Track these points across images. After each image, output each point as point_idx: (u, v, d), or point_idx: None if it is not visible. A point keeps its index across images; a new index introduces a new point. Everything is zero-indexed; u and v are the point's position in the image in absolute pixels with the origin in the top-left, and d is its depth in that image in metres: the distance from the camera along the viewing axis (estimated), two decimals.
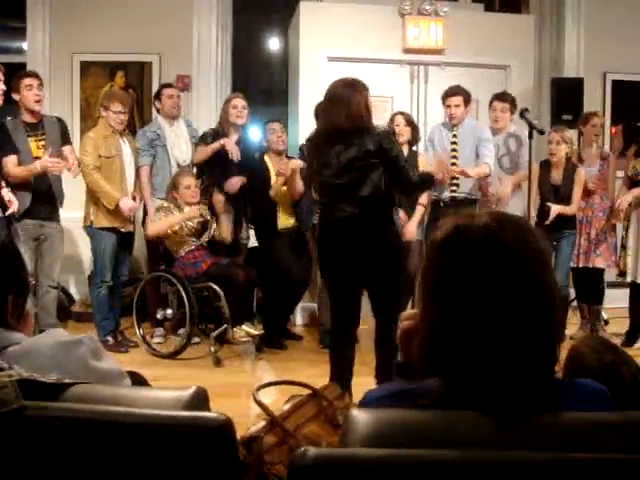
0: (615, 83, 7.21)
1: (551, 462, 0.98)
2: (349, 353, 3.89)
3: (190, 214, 5.28)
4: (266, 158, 5.68)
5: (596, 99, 6.96)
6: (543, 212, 5.47)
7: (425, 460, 0.99)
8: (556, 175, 5.63)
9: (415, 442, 1.02)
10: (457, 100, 5.44)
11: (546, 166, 5.69)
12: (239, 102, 5.59)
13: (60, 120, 5.28)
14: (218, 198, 5.53)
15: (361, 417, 1.09)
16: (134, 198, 5.38)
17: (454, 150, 5.38)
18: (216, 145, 5.46)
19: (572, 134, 5.77)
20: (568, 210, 5.53)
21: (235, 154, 5.41)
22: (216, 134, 5.58)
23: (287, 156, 5.70)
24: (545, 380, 1.15)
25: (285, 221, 5.64)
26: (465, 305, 1.14)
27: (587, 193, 5.68)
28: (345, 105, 3.69)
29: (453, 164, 5.27)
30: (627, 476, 0.97)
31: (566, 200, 5.55)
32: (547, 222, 5.32)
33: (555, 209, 5.43)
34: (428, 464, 0.99)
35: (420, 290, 1.23)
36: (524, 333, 1.12)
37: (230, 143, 5.44)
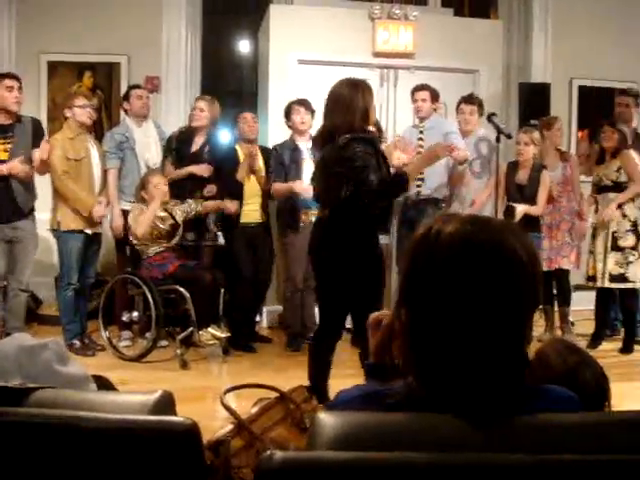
0: (581, 89, 7.33)
1: (523, 464, 0.98)
2: (329, 359, 3.85)
3: (162, 198, 5.27)
4: (237, 147, 5.68)
5: (562, 104, 7.06)
6: (508, 212, 5.52)
7: (393, 463, 0.98)
8: (522, 175, 5.70)
9: (384, 445, 1.02)
10: (424, 95, 5.56)
11: (513, 167, 5.78)
12: (200, 104, 5.63)
13: (34, 120, 5.23)
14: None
15: (328, 420, 1.08)
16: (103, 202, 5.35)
17: (420, 146, 5.45)
18: (183, 172, 5.53)
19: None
20: (534, 210, 5.59)
21: (206, 171, 5.50)
22: (182, 138, 5.57)
23: (261, 147, 5.72)
24: (517, 383, 1.15)
25: (250, 215, 5.61)
26: (440, 308, 1.13)
27: (553, 198, 5.76)
28: (344, 106, 3.63)
29: None
30: (598, 476, 0.98)
31: (531, 200, 5.63)
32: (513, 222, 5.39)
33: (521, 210, 5.49)
34: (396, 467, 0.98)
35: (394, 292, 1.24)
36: (498, 336, 1.13)
37: (198, 169, 5.51)
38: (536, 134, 5.76)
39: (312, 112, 5.46)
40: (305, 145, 5.47)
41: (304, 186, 5.16)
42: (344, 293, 3.64)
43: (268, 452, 1.01)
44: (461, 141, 5.50)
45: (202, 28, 7.11)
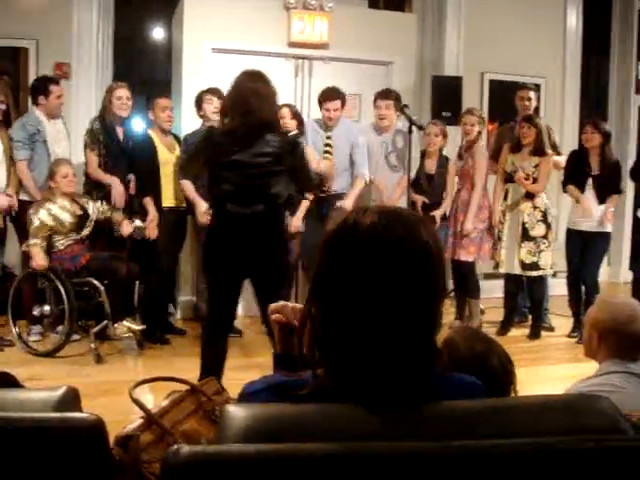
0: (492, 82, 7.52)
1: (425, 451, 1.00)
2: (222, 349, 3.89)
3: (68, 189, 5.16)
4: (152, 133, 5.55)
5: (474, 97, 7.22)
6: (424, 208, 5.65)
7: (300, 454, 0.99)
8: (430, 165, 5.84)
9: (291, 436, 1.02)
10: (336, 105, 5.60)
11: (422, 156, 5.90)
12: (124, 92, 5.43)
13: None
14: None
15: (236, 412, 1.08)
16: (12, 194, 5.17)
17: (327, 152, 5.53)
18: (106, 179, 5.36)
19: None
20: (445, 205, 5.79)
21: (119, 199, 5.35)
22: (106, 130, 5.40)
23: (175, 136, 5.63)
24: (425, 372, 1.18)
25: (168, 199, 5.52)
26: (347, 300, 1.15)
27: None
28: (267, 100, 3.67)
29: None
30: (498, 460, 1.01)
31: (438, 189, 5.81)
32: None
33: (438, 215, 5.67)
34: (303, 458, 0.99)
35: (307, 283, 1.25)
36: (409, 325, 1.15)
37: (116, 192, 5.36)
38: (445, 126, 5.91)
39: None
40: None
41: None
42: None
43: (175, 446, 1.01)
44: (364, 156, 5.64)
45: (114, 13, 6.92)
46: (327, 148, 5.56)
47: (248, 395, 1.24)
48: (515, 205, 5.78)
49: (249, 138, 3.71)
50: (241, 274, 3.83)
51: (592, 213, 5.69)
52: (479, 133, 5.93)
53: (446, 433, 1.04)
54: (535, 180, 5.71)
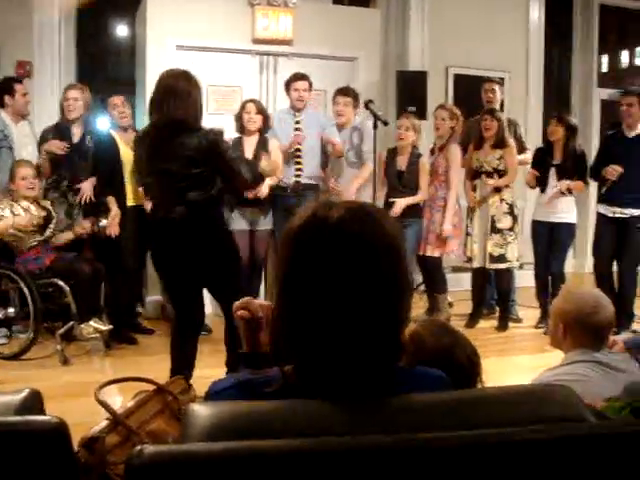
0: (457, 77, 7.56)
1: (396, 444, 1.00)
2: (191, 349, 3.87)
3: (29, 193, 5.09)
4: (114, 133, 5.52)
5: (439, 92, 7.26)
6: (388, 203, 5.65)
7: (266, 451, 0.99)
8: (401, 161, 5.82)
9: (256, 433, 1.02)
10: (305, 85, 5.67)
11: (392, 153, 5.88)
12: (71, 94, 5.38)
13: None
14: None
15: (201, 411, 1.08)
16: None
17: (297, 129, 5.57)
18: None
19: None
20: (418, 199, 5.76)
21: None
22: (59, 131, 5.33)
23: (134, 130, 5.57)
24: (390, 366, 1.18)
25: (131, 198, 5.47)
26: (315, 295, 1.15)
27: None
28: (185, 99, 3.58)
29: (297, 149, 5.47)
30: (464, 451, 1.02)
31: (409, 186, 5.75)
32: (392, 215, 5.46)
33: (400, 204, 5.61)
34: (269, 455, 0.98)
35: (274, 278, 1.24)
36: (371, 322, 1.15)
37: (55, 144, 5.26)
38: (417, 120, 5.89)
39: None
40: None
41: None
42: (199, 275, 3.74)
43: (138, 447, 0.99)
44: (337, 135, 5.64)
45: (77, 11, 6.83)
46: (297, 126, 5.60)
47: (214, 393, 1.24)
48: (483, 200, 5.82)
49: (162, 141, 3.61)
50: (187, 276, 3.75)
51: (556, 204, 5.76)
52: (452, 129, 5.94)
53: (411, 426, 1.05)
54: (501, 174, 5.76)
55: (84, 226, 5.25)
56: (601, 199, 5.87)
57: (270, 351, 1.29)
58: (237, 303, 1.43)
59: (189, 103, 3.60)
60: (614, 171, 5.53)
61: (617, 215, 5.65)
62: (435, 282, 5.99)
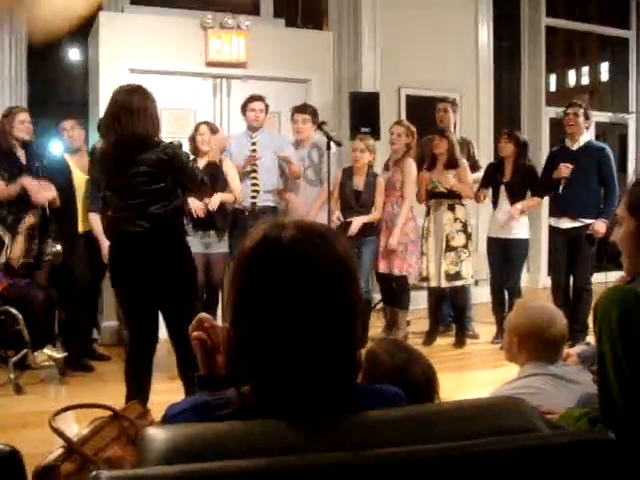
0: (408, 98, 7.66)
1: (352, 462, 1.01)
2: (145, 373, 3.81)
3: None
4: (67, 157, 5.46)
5: (392, 112, 7.34)
6: (343, 228, 5.64)
7: (222, 472, 0.98)
8: (358, 181, 5.85)
9: (214, 455, 1.01)
10: (261, 105, 5.71)
11: (348, 172, 5.91)
12: (25, 116, 5.28)
13: None
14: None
15: (157, 435, 1.06)
16: None
17: (254, 157, 5.56)
18: (16, 188, 5.11)
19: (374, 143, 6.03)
20: (373, 217, 5.78)
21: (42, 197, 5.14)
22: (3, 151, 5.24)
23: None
24: (346, 384, 1.19)
25: (84, 223, 5.40)
26: (269, 316, 1.15)
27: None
28: (142, 115, 3.56)
29: (254, 170, 5.49)
30: (419, 466, 1.02)
31: (367, 205, 5.79)
32: (349, 234, 5.46)
33: (357, 224, 5.64)
34: (225, 476, 0.98)
35: (227, 299, 1.24)
36: (326, 342, 1.15)
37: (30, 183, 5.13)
38: (371, 141, 5.93)
39: None
40: None
41: None
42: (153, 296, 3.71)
43: (94, 473, 0.98)
44: (295, 155, 5.68)
45: (28, 34, 6.75)
46: (253, 147, 5.60)
47: (171, 417, 1.23)
48: (438, 219, 5.88)
49: (121, 159, 3.60)
50: (145, 291, 3.70)
51: (508, 222, 5.86)
52: (407, 146, 5.99)
53: (368, 443, 1.05)
54: (453, 193, 5.84)
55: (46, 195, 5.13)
56: (551, 212, 5.99)
57: (226, 372, 1.29)
58: (193, 323, 1.42)
59: (147, 118, 3.58)
60: (566, 168, 5.61)
61: (568, 226, 5.75)
62: (400, 298, 6.02)
